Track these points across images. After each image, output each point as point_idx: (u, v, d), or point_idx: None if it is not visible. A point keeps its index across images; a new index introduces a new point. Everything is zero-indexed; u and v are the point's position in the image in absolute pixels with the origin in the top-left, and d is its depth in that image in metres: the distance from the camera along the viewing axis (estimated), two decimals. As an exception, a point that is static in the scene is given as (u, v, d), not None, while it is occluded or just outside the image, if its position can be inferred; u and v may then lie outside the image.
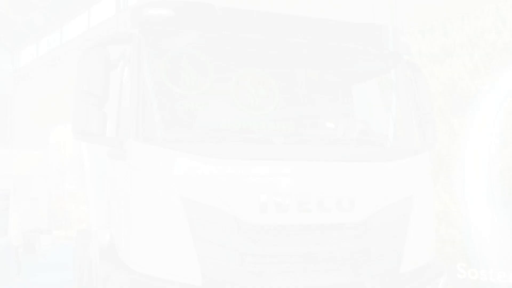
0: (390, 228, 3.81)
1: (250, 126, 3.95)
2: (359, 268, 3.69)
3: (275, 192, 3.55)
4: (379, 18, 8.53)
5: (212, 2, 3.95)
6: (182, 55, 3.98)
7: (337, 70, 4.60)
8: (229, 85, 4.03)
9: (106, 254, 4.06)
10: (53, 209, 24.49)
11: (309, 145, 3.98)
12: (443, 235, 9.60)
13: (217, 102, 4.06)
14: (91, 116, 3.58)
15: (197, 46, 3.96)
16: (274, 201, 3.53)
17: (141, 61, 3.77)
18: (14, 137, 31.81)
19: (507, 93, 8.31)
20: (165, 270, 3.43)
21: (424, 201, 4.04)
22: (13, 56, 27.68)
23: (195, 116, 3.92)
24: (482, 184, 9.22)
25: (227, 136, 3.76)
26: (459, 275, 9.28)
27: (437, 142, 4.42)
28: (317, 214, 3.63)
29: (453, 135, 9.67)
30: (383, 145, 4.17)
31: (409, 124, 4.33)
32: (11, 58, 27.81)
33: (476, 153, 9.35)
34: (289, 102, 4.38)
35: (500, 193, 8.85)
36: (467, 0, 8.84)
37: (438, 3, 9.22)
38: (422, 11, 9.25)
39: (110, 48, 3.93)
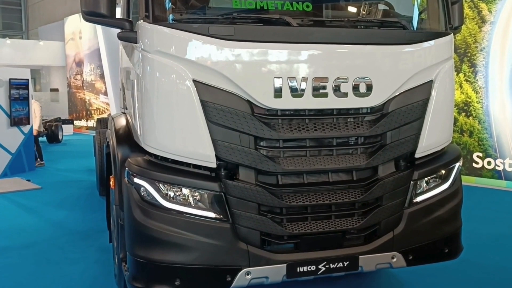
0: (407, 113, 3.73)
1: (264, 6, 3.76)
2: (374, 153, 3.69)
3: (291, 76, 3.46)
4: None
5: None
6: None
7: None
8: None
9: (123, 138, 4.13)
10: (73, 99, 24.92)
11: (327, 26, 3.80)
12: (462, 125, 9.57)
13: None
14: (100, -2, 3.43)
15: None
16: (289, 85, 3.46)
17: None
18: (31, 28, 31.54)
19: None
20: (181, 153, 3.48)
21: (445, 86, 3.91)
22: None
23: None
24: (506, 74, 8.97)
25: (241, 17, 3.60)
26: (474, 164, 9.39)
27: (462, 27, 4.18)
28: (333, 99, 3.56)
29: (480, 22, 9.24)
30: (407, 27, 3.97)
31: (435, 7, 4.08)
32: None
33: (503, 42, 8.99)
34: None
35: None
36: None
37: None
38: None
39: None
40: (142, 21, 3.52)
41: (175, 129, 3.48)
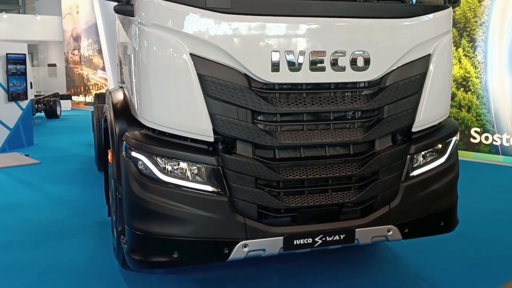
0: (405, 87, 3.73)
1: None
2: (371, 127, 3.70)
3: (288, 49, 3.45)
4: None
5: None
6: None
7: None
8: None
9: (121, 112, 4.13)
10: (71, 75, 24.79)
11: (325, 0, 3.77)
12: (460, 101, 9.56)
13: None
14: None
15: None
16: (286, 59, 3.45)
17: None
18: (28, 3, 31.14)
19: None
20: (179, 127, 3.49)
21: (443, 60, 3.90)
22: None
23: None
24: (505, 50, 8.92)
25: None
26: (472, 139, 9.41)
27: (461, 1, 4.15)
28: (331, 73, 3.55)
29: (481, -4, 9.14)
30: (404, 1, 3.94)
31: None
32: None
33: (503, 17, 8.92)
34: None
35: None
36: None
37: None
38: None
39: None
40: (138, -7, 3.49)
41: (172, 103, 3.49)
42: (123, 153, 3.66)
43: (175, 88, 3.46)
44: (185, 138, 3.55)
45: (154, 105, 3.53)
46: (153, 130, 3.60)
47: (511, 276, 4.43)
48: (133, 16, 3.63)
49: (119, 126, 3.90)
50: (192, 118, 3.47)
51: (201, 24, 3.38)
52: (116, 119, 4.06)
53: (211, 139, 3.49)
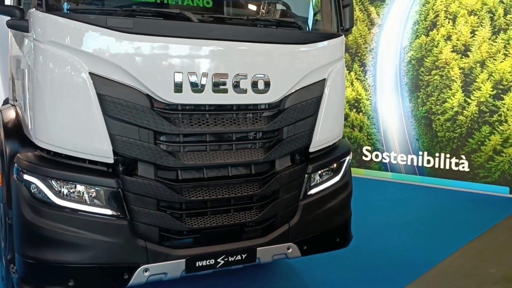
0: (303, 110, 3.91)
1: (165, 0, 3.73)
2: (271, 147, 3.82)
3: (191, 71, 3.47)
4: None
5: None
6: None
7: None
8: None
9: (12, 132, 3.89)
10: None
11: (227, 24, 3.87)
12: (353, 121, 10.15)
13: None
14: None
15: None
16: (189, 80, 3.47)
17: None
18: None
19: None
20: (76, 148, 3.35)
21: (336, 85, 4.15)
22: None
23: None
24: (392, 73, 9.66)
25: (141, 10, 3.54)
26: (364, 157, 10.01)
27: (352, 29, 4.46)
28: (233, 95, 3.63)
29: (370, 25, 9.84)
30: (302, 28, 4.15)
31: (328, 10, 4.31)
32: None
33: (389, 46, 9.67)
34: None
35: (406, 82, 9.36)
36: None
37: None
38: None
39: None
40: (34, 9, 3.33)
41: (70, 123, 3.34)
42: (14, 176, 3.44)
43: (72, 107, 3.33)
44: (83, 160, 3.42)
45: (49, 125, 3.36)
46: (48, 151, 3.43)
47: (405, 282, 4.77)
48: (27, 32, 3.45)
49: (10, 147, 3.67)
50: (90, 139, 3.35)
51: (102, 42, 3.31)
52: (6, 139, 3.81)
53: (111, 161, 3.40)
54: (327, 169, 4.22)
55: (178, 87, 3.45)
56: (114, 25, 3.30)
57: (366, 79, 9.98)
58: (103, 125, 3.33)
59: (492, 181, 8.50)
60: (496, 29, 8.34)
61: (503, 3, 8.31)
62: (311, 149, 4.07)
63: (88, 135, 3.35)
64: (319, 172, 4.17)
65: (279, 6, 4.56)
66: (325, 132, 4.12)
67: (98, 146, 3.36)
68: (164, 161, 3.47)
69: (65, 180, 3.36)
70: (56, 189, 3.36)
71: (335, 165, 4.26)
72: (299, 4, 4.74)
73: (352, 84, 10.07)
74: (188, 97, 3.50)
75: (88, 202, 3.40)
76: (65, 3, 3.35)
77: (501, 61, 8.30)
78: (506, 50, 8.27)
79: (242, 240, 3.82)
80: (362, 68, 10.00)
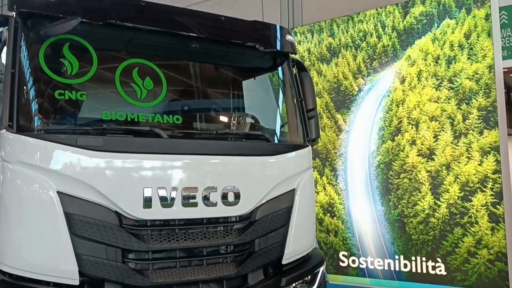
0: (274, 221, 3.93)
1: (135, 118, 3.85)
2: (243, 261, 3.76)
3: (160, 186, 3.50)
4: (269, 17, 8.77)
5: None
6: (64, 42, 3.76)
7: (226, 65, 4.64)
8: (115, 75, 3.88)
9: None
10: None
11: (196, 138, 3.98)
12: (327, 226, 10.12)
13: (101, 93, 3.90)
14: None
15: (81, 33, 3.76)
16: (159, 196, 3.48)
17: (17, 46, 3.50)
18: None
19: (384, 93, 9.01)
20: (40, 271, 3.23)
21: (306, 194, 4.22)
22: None
23: (76, 106, 3.73)
24: (362, 177, 9.86)
25: (110, 128, 3.63)
26: (341, 262, 9.86)
27: (319, 138, 4.62)
28: (203, 208, 3.64)
29: (337, 131, 10.21)
30: (270, 140, 4.29)
31: (294, 122, 4.49)
32: None
33: (358, 148, 9.98)
34: (178, 95, 4.34)
35: (377, 186, 9.54)
36: (352, 4, 9.40)
37: (326, 5, 9.70)
38: (312, 12, 9.68)
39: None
40: (5, 130, 3.39)
41: (35, 244, 3.27)
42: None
43: (38, 228, 3.27)
44: (47, 283, 3.29)
45: (13, 247, 3.27)
46: (10, 275, 3.30)
47: None
48: (-5, 152, 3.47)
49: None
50: (55, 260, 3.26)
51: (71, 161, 3.35)
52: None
53: (76, 282, 3.28)
54: (301, 281, 4.15)
55: (147, 203, 3.46)
56: (84, 144, 3.36)
57: (338, 183, 10.13)
58: (69, 245, 3.26)
59: (470, 284, 8.40)
60: (457, 134, 8.75)
61: (460, 109, 8.81)
62: (284, 261, 4.02)
63: (53, 255, 3.26)
64: (293, 284, 4.08)
65: (248, 119, 4.74)
66: (297, 242, 4.10)
67: (63, 268, 3.26)
68: (132, 280, 3.37)
69: (26, 306, 3.20)
70: None
71: (309, 277, 4.19)
72: (267, 117, 4.94)
73: (324, 188, 10.19)
74: (157, 213, 3.49)
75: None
76: (36, 124, 3.42)
77: (465, 164, 8.60)
78: (468, 153, 8.61)
79: None
80: (333, 172, 10.19)
